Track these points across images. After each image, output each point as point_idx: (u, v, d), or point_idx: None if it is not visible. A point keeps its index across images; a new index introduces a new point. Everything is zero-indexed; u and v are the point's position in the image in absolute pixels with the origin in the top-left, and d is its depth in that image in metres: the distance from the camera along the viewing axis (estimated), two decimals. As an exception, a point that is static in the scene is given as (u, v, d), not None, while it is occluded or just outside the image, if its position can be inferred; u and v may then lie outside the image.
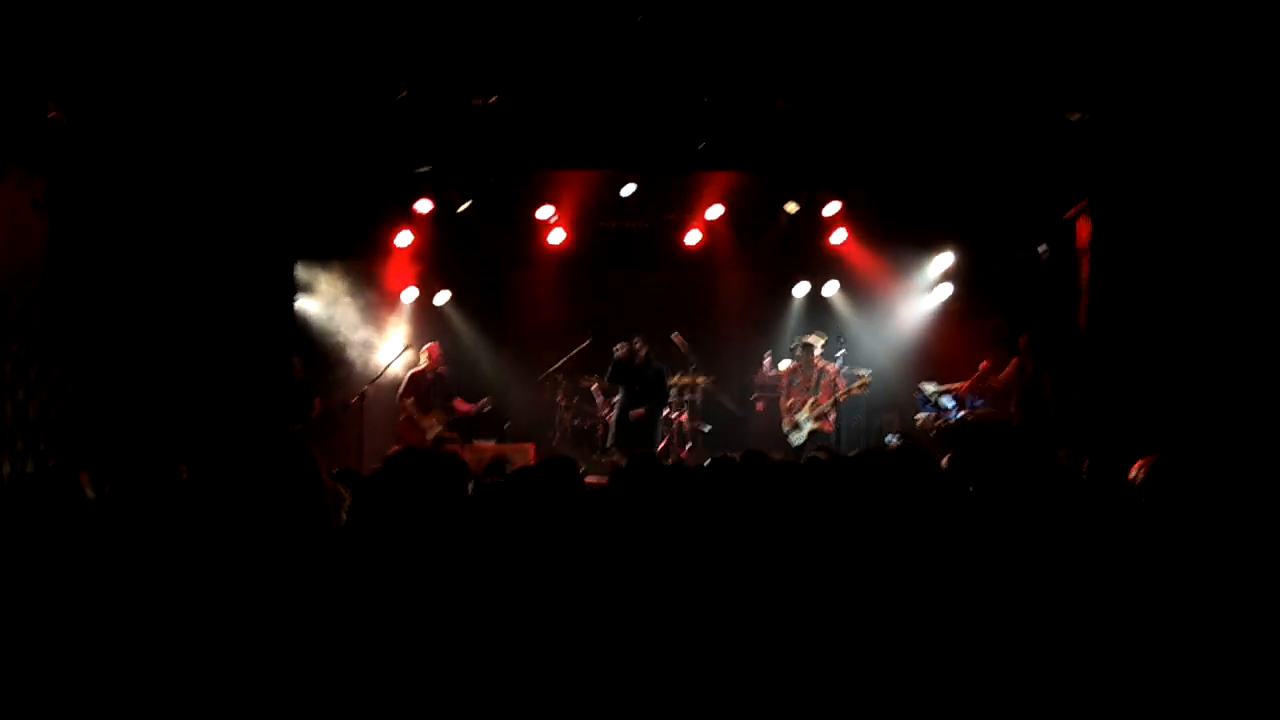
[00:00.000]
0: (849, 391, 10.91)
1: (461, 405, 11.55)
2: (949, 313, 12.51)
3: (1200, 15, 7.54)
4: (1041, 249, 10.71)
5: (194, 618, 2.60)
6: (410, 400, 11.44)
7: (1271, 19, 7.37)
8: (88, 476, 3.93)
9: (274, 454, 3.15)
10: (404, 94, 8.64)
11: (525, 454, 10.47)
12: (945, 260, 12.42)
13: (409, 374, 11.56)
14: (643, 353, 11.10)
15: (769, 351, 12.84)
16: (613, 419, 11.45)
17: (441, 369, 11.66)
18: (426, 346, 11.70)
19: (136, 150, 8.43)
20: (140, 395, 8.48)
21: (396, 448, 8.53)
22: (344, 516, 3.69)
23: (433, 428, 11.31)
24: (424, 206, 11.51)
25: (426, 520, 3.06)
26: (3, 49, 6.92)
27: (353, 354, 12.28)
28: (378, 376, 11.51)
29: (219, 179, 8.90)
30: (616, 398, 11.37)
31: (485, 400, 11.60)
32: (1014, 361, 10.50)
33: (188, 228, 8.85)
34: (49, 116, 7.45)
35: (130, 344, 8.55)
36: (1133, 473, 3.93)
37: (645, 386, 11.11)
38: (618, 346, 11.11)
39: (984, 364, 10.78)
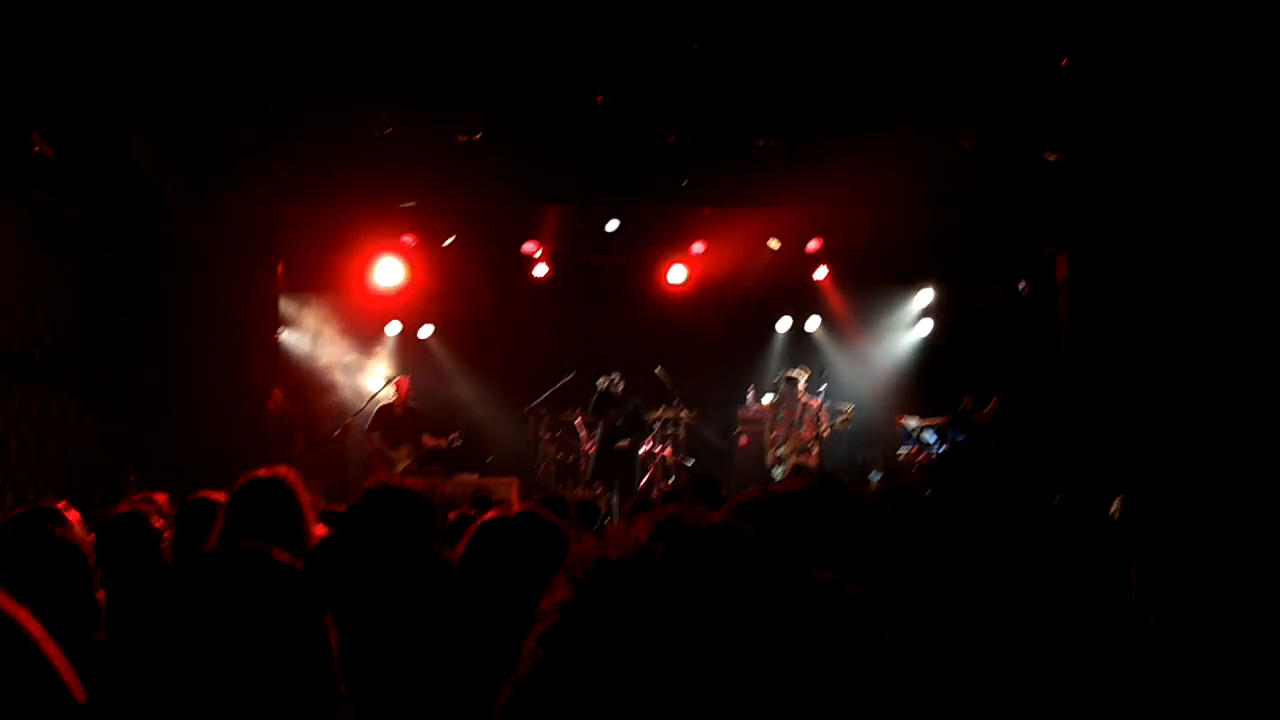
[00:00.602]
0: (833, 426, 10.94)
1: (429, 440, 11.37)
2: (930, 348, 12.58)
3: (1172, 56, 7.69)
4: (1021, 285, 10.81)
5: (171, 650, 2.60)
6: (378, 434, 11.32)
7: (1241, 62, 7.52)
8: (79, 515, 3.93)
9: (255, 489, 3.16)
10: (388, 130, 8.69)
11: (509, 487, 10.41)
12: (926, 296, 12.52)
13: (378, 408, 11.45)
14: (620, 387, 11.12)
15: (753, 385, 12.86)
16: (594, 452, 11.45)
17: (412, 404, 11.58)
18: (395, 381, 11.61)
19: (127, 180, 8.43)
20: (134, 429, 8.48)
21: (370, 482, 8.47)
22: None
23: (401, 461, 11.19)
24: (408, 241, 11.53)
25: (397, 554, 3.05)
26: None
27: (336, 386, 12.23)
28: (361, 409, 11.45)
29: (207, 211, 8.92)
30: (596, 431, 11.37)
31: (454, 435, 11.43)
32: (996, 398, 10.56)
33: (178, 260, 8.85)
34: (34, 150, 7.44)
35: (125, 376, 8.54)
36: (1113, 508, 3.97)
37: (624, 420, 11.14)
38: (600, 380, 11.13)
39: (966, 400, 10.82)
